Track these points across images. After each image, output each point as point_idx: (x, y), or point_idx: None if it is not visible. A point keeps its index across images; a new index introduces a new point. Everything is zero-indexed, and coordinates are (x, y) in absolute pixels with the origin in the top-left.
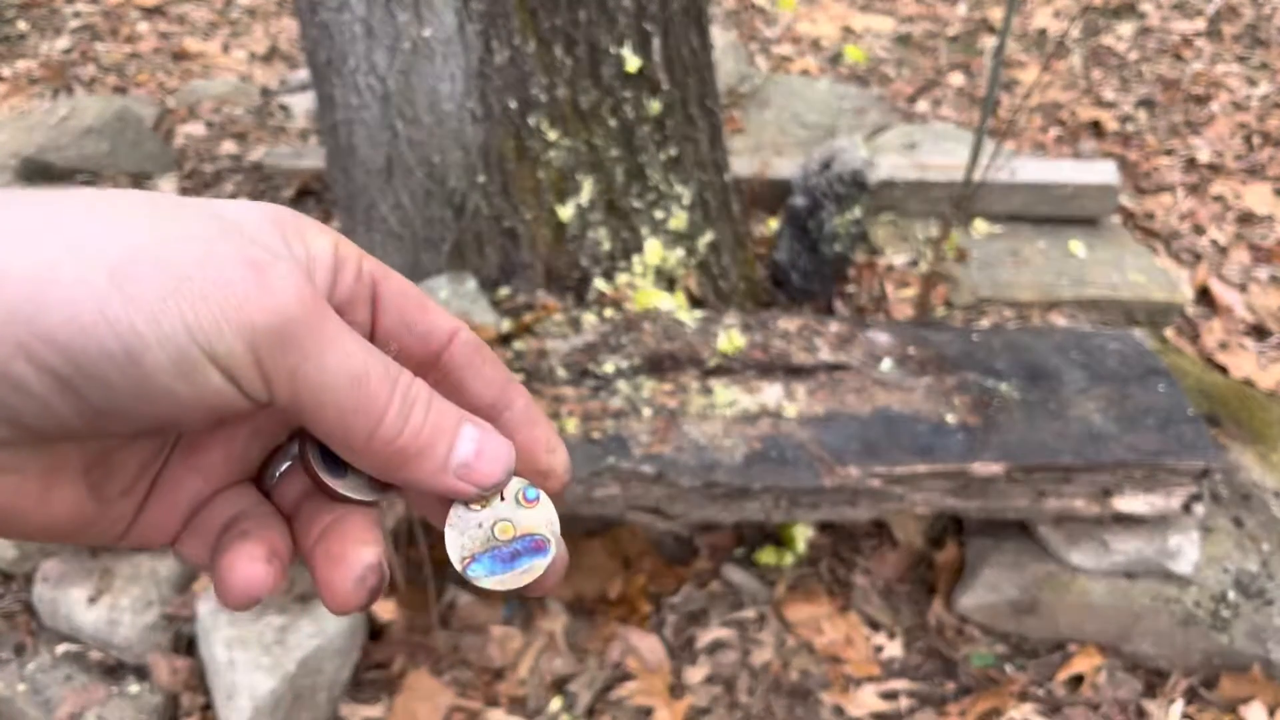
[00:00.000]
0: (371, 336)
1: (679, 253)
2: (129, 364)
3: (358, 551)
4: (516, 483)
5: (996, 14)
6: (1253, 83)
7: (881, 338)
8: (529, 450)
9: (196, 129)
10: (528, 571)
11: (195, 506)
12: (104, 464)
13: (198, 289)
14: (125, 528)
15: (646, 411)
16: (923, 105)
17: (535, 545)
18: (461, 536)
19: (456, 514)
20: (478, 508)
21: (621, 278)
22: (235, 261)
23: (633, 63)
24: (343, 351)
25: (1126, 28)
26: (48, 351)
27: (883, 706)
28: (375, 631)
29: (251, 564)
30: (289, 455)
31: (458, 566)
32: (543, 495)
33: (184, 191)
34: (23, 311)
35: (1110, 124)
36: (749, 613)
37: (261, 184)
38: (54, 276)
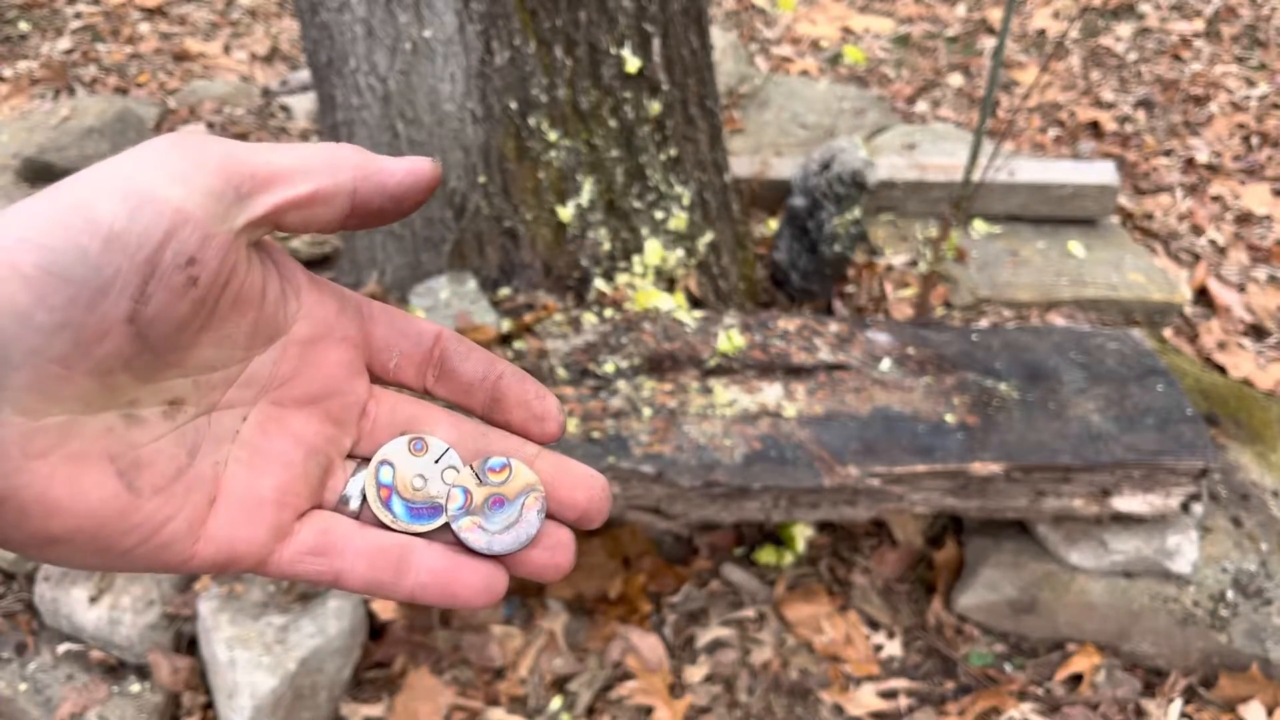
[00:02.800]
0: (370, 348)
1: (679, 253)
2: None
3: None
4: (472, 468)
5: (995, 15)
6: (1251, 83)
7: (881, 338)
8: (523, 401)
9: (198, 129)
10: (525, 524)
11: (279, 529)
12: (131, 455)
13: None
14: (166, 526)
15: (646, 411)
16: (922, 106)
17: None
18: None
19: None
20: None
21: (621, 278)
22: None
23: (633, 63)
24: None
25: (1125, 28)
26: (27, 256)
27: (882, 705)
28: (376, 631)
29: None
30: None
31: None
32: (511, 462)
33: None
34: None
35: (1109, 124)
36: (749, 612)
37: None
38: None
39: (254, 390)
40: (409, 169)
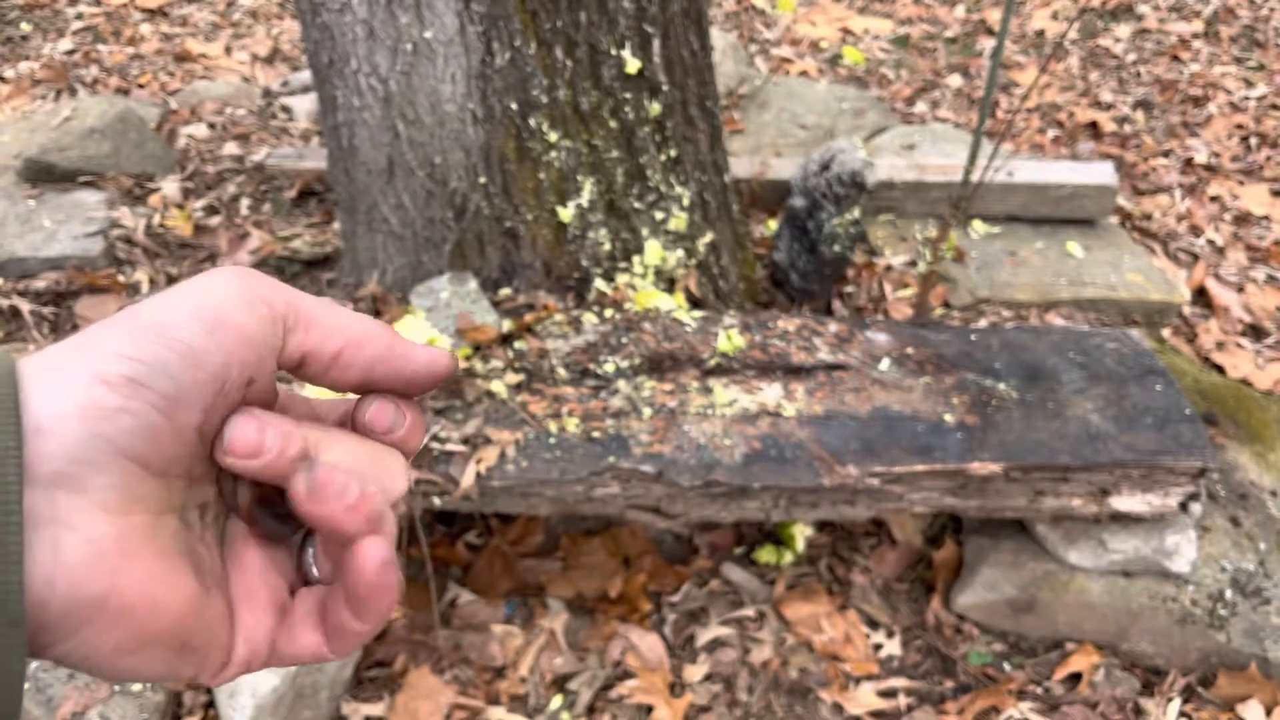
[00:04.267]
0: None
1: (679, 253)
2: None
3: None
4: None
5: (994, 16)
6: (1250, 84)
7: (880, 338)
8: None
9: (199, 130)
10: None
11: (278, 615)
12: (195, 555)
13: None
14: (222, 624)
15: (646, 411)
16: (921, 106)
17: None
18: None
19: None
20: None
21: (622, 278)
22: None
23: (633, 64)
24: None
25: (1124, 29)
26: (115, 364)
27: (881, 704)
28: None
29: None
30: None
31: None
32: None
33: (186, 191)
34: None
35: (1108, 125)
36: (748, 611)
37: (264, 185)
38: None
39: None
40: (428, 362)
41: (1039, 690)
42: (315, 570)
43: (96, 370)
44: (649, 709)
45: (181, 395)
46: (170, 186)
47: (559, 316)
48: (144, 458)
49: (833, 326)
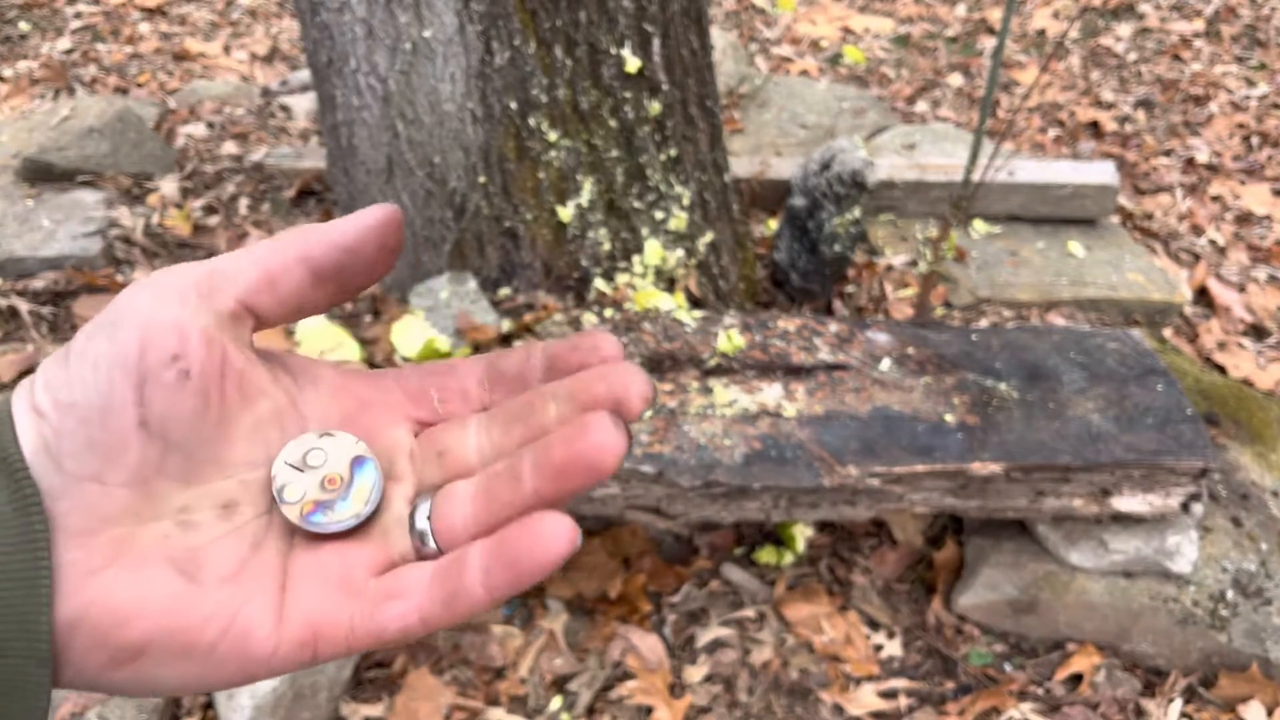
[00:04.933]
0: (406, 404)
1: (679, 253)
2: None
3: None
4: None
5: (995, 15)
6: (1251, 83)
7: (880, 338)
8: (574, 345)
9: (198, 129)
10: (360, 491)
11: (350, 590)
12: (190, 555)
13: None
14: (242, 612)
15: (646, 411)
16: (922, 106)
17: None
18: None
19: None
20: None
21: (621, 278)
22: None
23: (633, 64)
24: None
25: (1125, 28)
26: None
27: (882, 705)
28: None
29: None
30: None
31: (297, 521)
32: (324, 446)
33: (185, 191)
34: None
35: (1109, 124)
36: (749, 612)
37: (263, 184)
38: None
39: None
40: (355, 218)
41: (1040, 691)
42: (432, 541)
43: (34, 403)
44: (649, 710)
45: (105, 400)
46: (169, 186)
47: (559, 316)
48: (99, 474)
49: (833, 326)
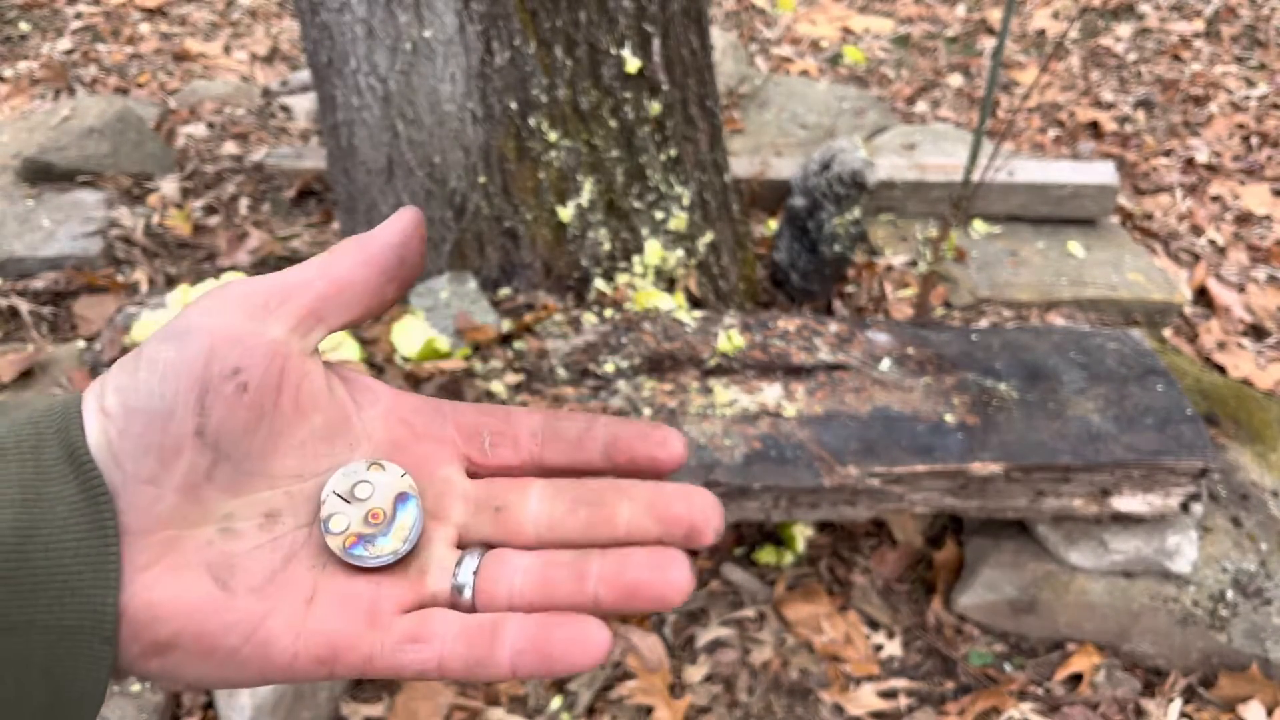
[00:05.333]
0: (458, 439)
1: (679, 253)
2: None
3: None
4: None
5: (995, 15)
6: (1251, 83)
7: (880, 338)
8: (640, 433)
9: (198, 130)
10: (400, 529)
11: (375, 620)
12: (227, 562)
13: None
14: (265, 623)
15: (646, 411)
16: (922, 106)
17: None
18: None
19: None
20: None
21: (621, 278)
22: None
23: (633, 64)
24: None
25: (1125, 29)
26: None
27: (882, 705)
28: None
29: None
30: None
31: (339, 553)
32: (371, 478)
33: (185, 191)
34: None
35: (1109, 125)
36: (749, 612)
37: (263, 185)
38: None
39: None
40: (396, 220)
41: (1040, 691)
42: (467, 593)
43: (102, 404)
44: (649, 710)
45: (167, 407)
46: (169, 186)
47: (559, 316)
48: (154, 477)
49: (833, 326)
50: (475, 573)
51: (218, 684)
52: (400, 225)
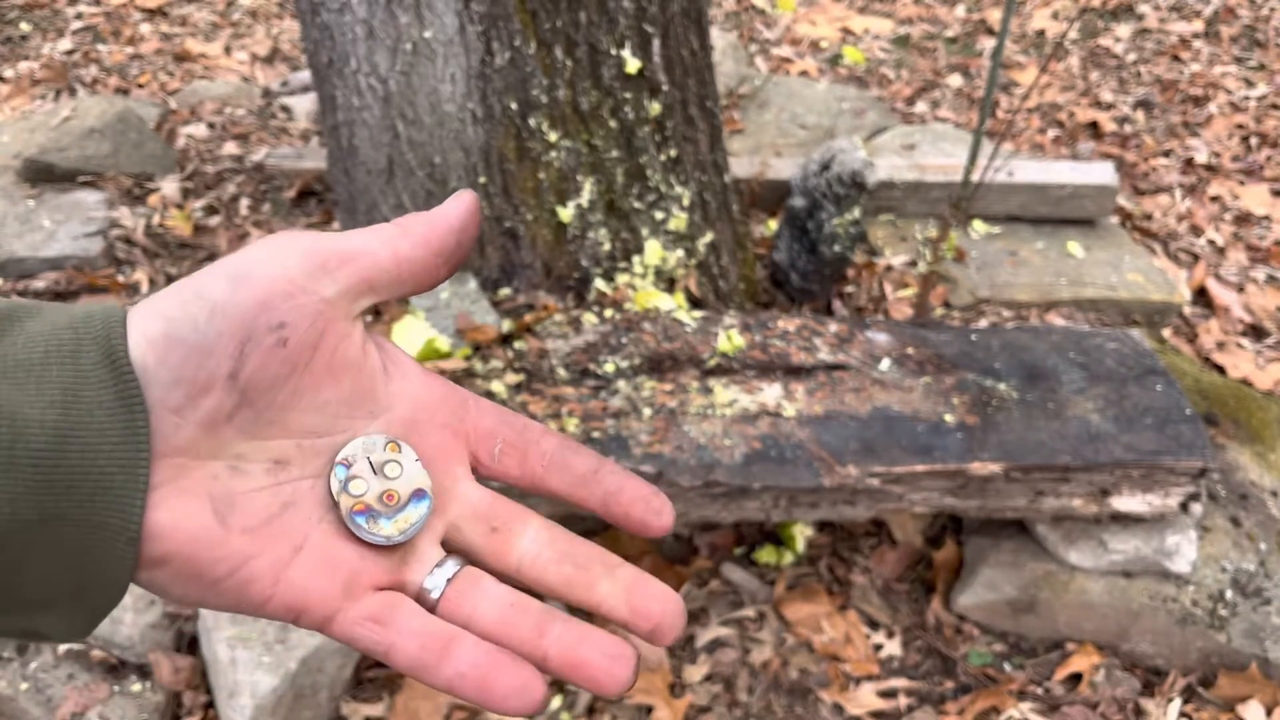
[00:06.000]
0: (472, 437)
1: (679, 253)
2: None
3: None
4: (374, 452)
5: (995, 15)
6: (1250, 84)
7: (880, 338)
8: (640, 495)
9: (199, 130)
10: (403, 520)
11: (351, 590)
12: (229, 498)
13: None
14: (250, 563)
15: (646, 411)
16: (921, 106)
17: (417, 494)
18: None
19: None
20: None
21: (621, 278)
22: None
23: (633, 64)
24: None
25: (1124, 29)
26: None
27: (882, 705)
28: None
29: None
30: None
31: (344, 514)
32: (403, 461)
33: (186, 191)
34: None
35: (1108, 125)
36: (748, 611)
37: (263, 185)
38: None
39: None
40: (456, 203)
41: (1039, 690)
42: (435, 595)
43: (143, 329)
44: (649, 709)
45: (208, 345)
46: (170, 186)
47: (559, 316)
48: (180, 408)
49: (833, 326)
50: (449, 580)
51: (195, 604)
52: (462, 210)
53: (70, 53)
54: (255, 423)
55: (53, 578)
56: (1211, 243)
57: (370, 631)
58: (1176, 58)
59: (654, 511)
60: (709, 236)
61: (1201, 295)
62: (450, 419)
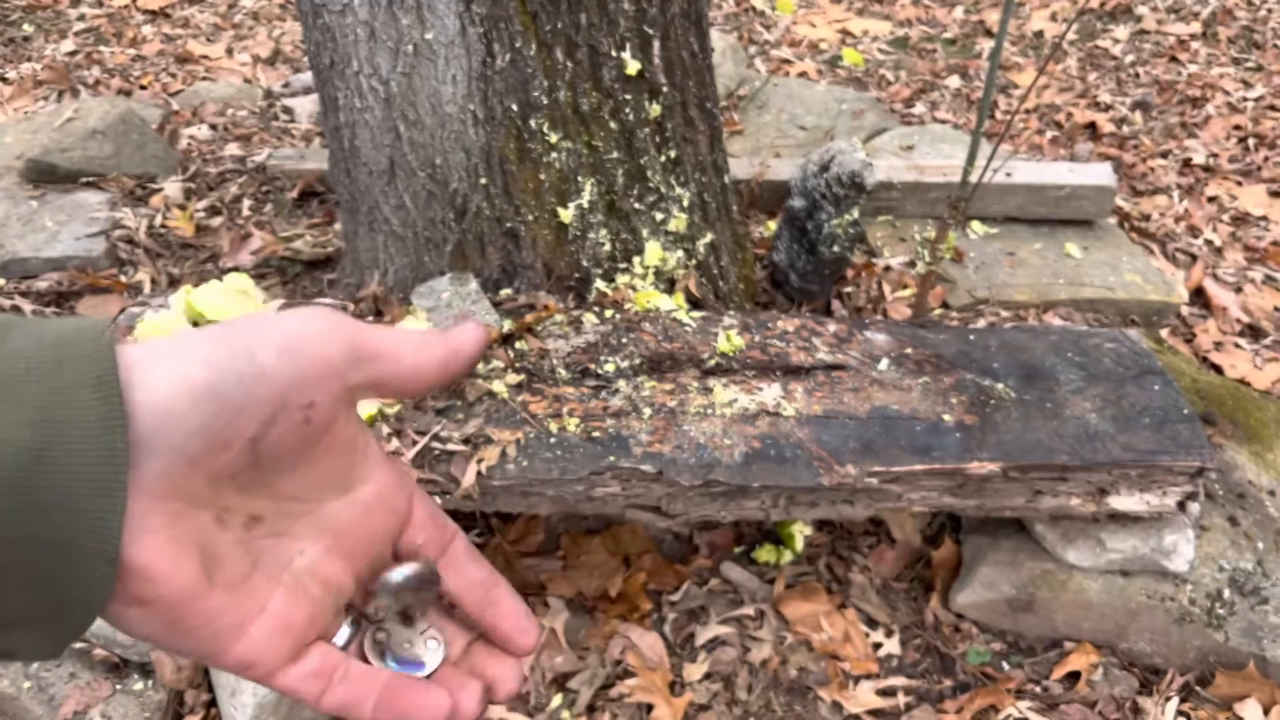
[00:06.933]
0: (407, 524)
1: (679, 254)
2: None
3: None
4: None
5: (993, 17)
6: (1248, 85)
7: (879, 338)
8: (514, 613)
9: (201, 131)
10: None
11: (295, 652)
12: (213, 551)
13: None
14: (221, 620)
15: (646, 411)
16: (920, 108)
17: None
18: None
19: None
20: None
21: (622, 279)
22: None
23: (633, 66)
24: None
25: (1122, 30)
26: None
27: (880, 703)
28: None
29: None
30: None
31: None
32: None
33: (188, 192)
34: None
35: (1106, 126)
36: (748, 610)
37: (265, 186)
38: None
39: (317, 531)
40: (475, 335)
41: (1037, 689)
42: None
43: (184, 372)
44: (649, 707)
45: (245, 406)
46: (172, 187)
47: (559, 317)
48: (196, 458)
49: (832, 327)
50: (347, 642)
51: (154, 644)
52: (478, 341)
53: (73, 54)
54: (251, 483)
55: (28, 598)
56: (1209, 243)
57: (306, 685)
58: (1174, 59)
59: (522, 630)
60: (709, 237)
61: (1199, 295)
62: (399, 505)
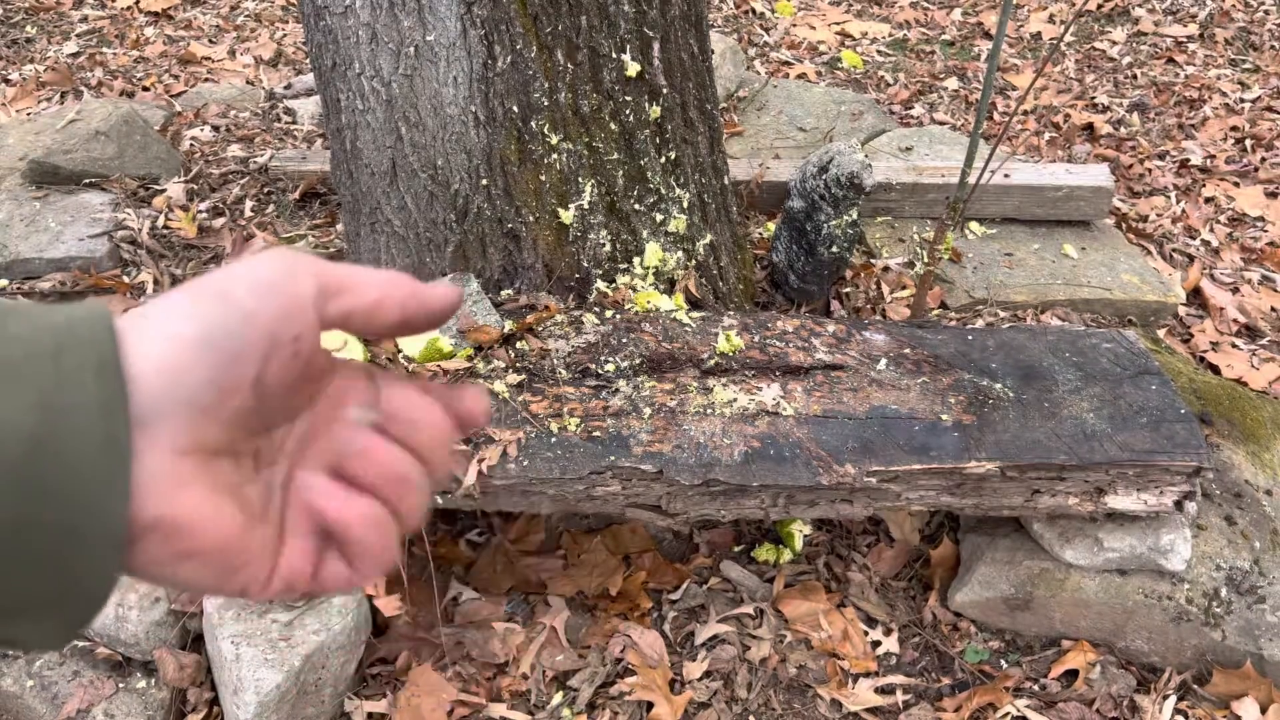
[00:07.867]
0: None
1: (678, 255)
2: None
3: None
4: None
5: (991, 19)
6: (1245, 86)
7: (878, 338)
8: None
9: (203, 133)
10: None
11: (317, 547)
12: (240, 492)
13: None
14: (262, 554)
15: (647, 410)
16: (918, 109)
17: None
18: None
19: None
20: None
21: (622, 279)
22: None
23: (633, 68)
24: None
25: (1120, 32)
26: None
27: (879, 701)
28: (380, 627)
29: None
30: None
31: None
32: None
33: (191, 193)
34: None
35: (1103, 127)
36: (747, 609)
37: (268, 187)
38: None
39: (297, 444)
40: (446, 294)
41: (1035, 687)
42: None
43: (175, 330)
44: (649, 706)
45: (241, 351)
46: (175, 188)
47: (560, 317)
48: (208, 407)
49: (831, 327)
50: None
51: (201, 592)
52: (444, 302)
53: (76, 56)
54: (257, 422)
55: (33, 584)
56: (1206, 244)
57: (315, 584)
58: (1171, 61)
59: (472, 396)
60: (708, 238)
61: (1196, 296)
62: (357, 394)
